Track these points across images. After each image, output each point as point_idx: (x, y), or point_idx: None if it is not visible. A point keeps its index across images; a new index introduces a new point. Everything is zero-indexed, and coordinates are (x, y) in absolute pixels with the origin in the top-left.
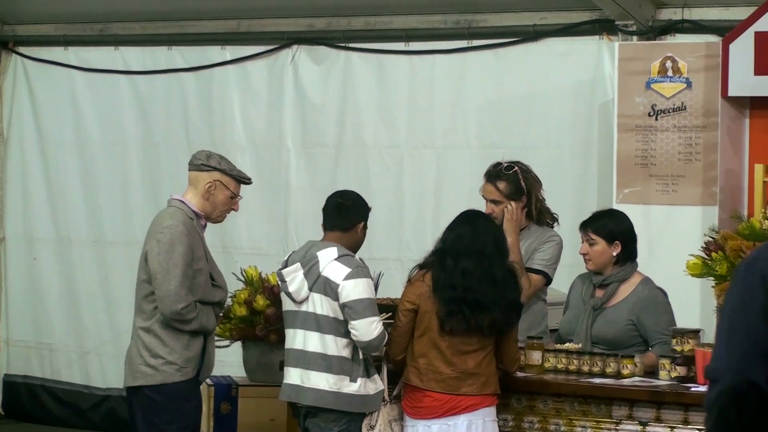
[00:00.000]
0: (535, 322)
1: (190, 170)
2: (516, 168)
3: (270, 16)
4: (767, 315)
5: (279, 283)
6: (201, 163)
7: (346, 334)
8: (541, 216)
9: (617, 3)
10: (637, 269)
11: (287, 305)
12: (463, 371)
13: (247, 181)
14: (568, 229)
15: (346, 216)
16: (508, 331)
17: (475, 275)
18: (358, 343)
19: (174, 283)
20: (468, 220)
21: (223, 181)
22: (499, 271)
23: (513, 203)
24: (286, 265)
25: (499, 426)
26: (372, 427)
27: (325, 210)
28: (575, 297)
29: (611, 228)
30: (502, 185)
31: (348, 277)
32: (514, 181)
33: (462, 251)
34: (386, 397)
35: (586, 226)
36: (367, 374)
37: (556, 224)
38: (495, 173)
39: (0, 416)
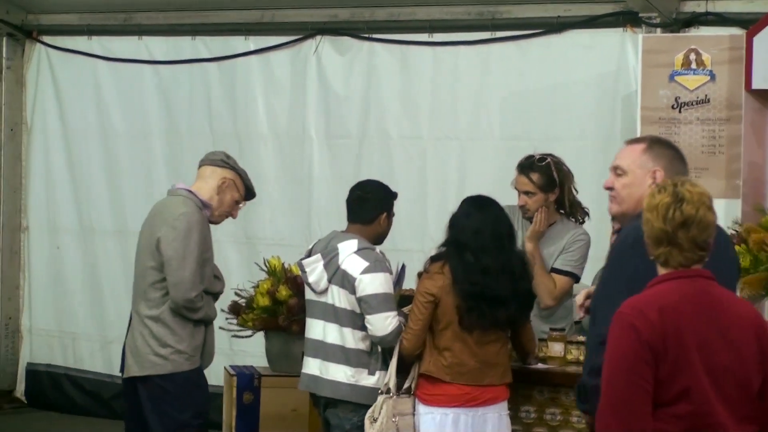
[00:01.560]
0: (560, 317)
1: (204, 164)
2: (549, 160)
3: (293, 6)
4: None
5: (300, 273)
6: (221, 159)
7: (364, 327)
8: (573, 209)
9: None
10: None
11: (309, 294)
12: (486, 361)
13: (253, 194)
14: (590, 221)
15: (366, 208)
16: (524, 323)
17: (495, 271)
18: (373, 338)
19: (189, 270)
20: (481, 208)
21: (237, 183)
22: (516, 265)
23: (539, 214)
24: (309, 254)
25: (521, 417)
26: (375, 420)
27: (347, 202)
28: None
29: None
30: (535, 177)
31: (365, 271)
32: (548, 172)
33: (481, 247)
34: (393, 389)
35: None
36: (386, 367)
37: (587, 218)
38: (528, 165)
39: (22, 405)
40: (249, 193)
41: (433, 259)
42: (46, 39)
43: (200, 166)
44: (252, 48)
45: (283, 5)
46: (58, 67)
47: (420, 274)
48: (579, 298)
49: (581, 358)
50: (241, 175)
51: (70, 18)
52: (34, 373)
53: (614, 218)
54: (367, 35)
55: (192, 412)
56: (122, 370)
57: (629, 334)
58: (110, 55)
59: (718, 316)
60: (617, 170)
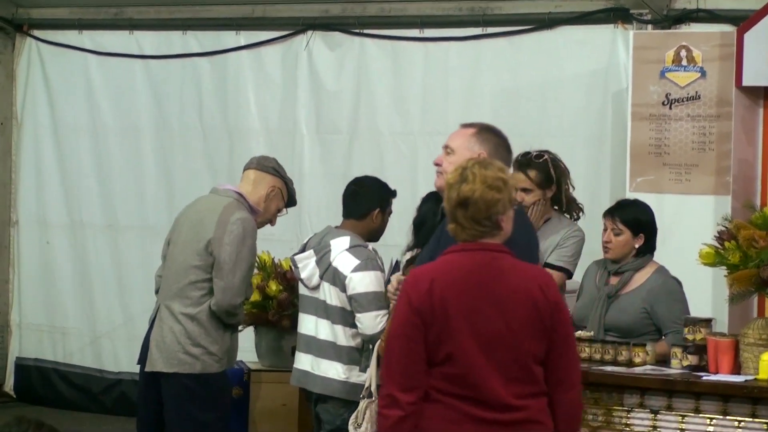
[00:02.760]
0: None
1: (252, 168)
2: (546, 156)
3: (285, 1)
4: None
5: (293, 268)
6: (272, 166)
7: (355, 324)
8: (569, 206)
9: None
10: (653, 258)
11: (302, 289)
12: None
13: (295, 202)
14: (584, 217)
15: (359, 203)
16: None
17: None
18: (363, 336)
19: (239, 277)
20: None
21: (283, 192)
22: None
23: (533, 209)
24: (303, 249)
25: None
26: (359, 425)
27: (343, 198)
28: (589, 284)
29: (639, 218)
30: (532, 173)
31: (356, 269)
32: (545, 169)
33: None
34: (374, 393)
35: (613, 214)
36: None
37: (582, 214)
38: (525, 161)
39: (11, 399)
40: (291, 201)
41: (410, 262)
42: (37, 33)
43: (248, 168)
44: (243, 43)
45: (274, 0)
46: (48, 61)
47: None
48: (392, 286)
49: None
50: (288, 184)
51: (61, 12)
52: (23, 367)
53: (439, 191)
54: (358, 30)
55: (216, 415)
56: (140, 361)
57: (405, 301)
58: (101, 50)
59: (492, 286)
60: (447, 149)
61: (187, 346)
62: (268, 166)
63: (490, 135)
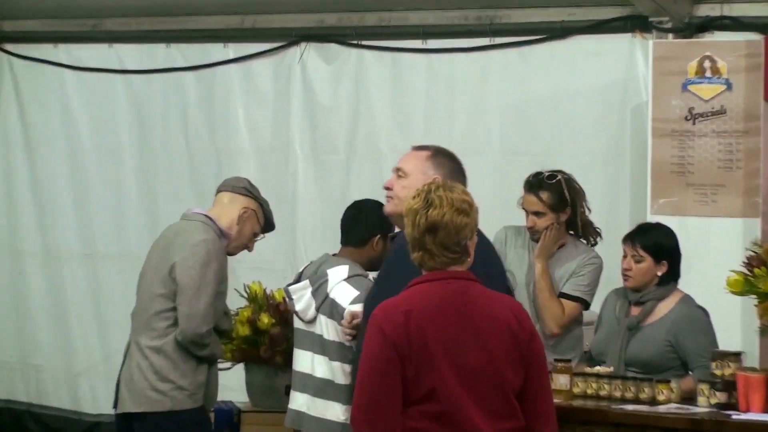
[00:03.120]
0: (569, 347)
1: (224, 191)
2: (559, 177)
3: (276, 11)
4: None
5: (287, 300)
6: (244, 186)
7: None
8: (585, 230)
9: None
10: (677, 286)
11: (297, 323)
12: None
13: (272, 227)
14: (601, 242)
15: (358, 229)
16: None
17: None
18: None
19: (203, 303)
20: None
21: (258, 214)
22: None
23: (548, 231)
24: (298, 279)
25: None
26: None
27: (342, 222)
28: (608, 315)
29: (661, 243)
30: (545, 196)
31: (355, 301)
32: (558, 191)
33: None
34: None
35: (633, 240)
36: None
37: (599, 239)
38: (537, 183)
39: None
40: (268, 225)
41: None
42: (9, 47)
43: (219, 191)
44: (231, 56)
45: (265, 10)
46: (21, 76)
47: None
48: (345, 320)
49: (588, 391)
50: (263, 205)
51: (35, 24)
52: None
53: (389, 218)
54: (355, 42)
55: None
56: (116, 404)
57: (378, 335)
58: (78, 64)
59: (470, 316)
60: (399, 172)
61: (154, 382)
62: (238, 186)
63: (445, 159)
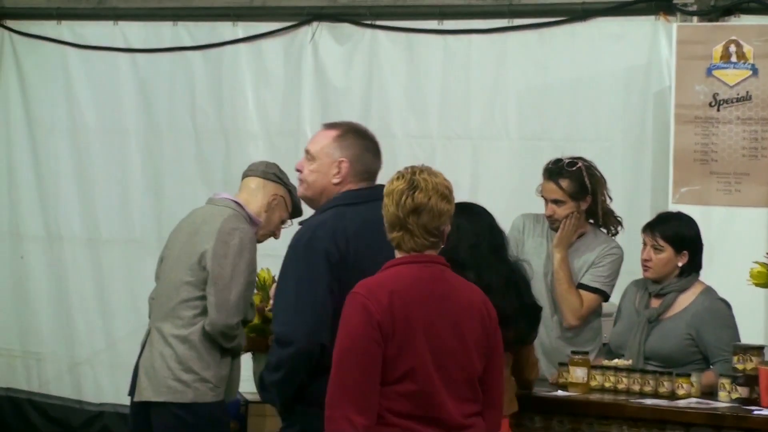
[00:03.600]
0: (587, 339)
1: (252, 175)
2: (580, 164)
3: None
4: (331, 289)
5: None
6: (274, 173)
7: None
8: (605, 219)
9: None
10: (699, 278)
11: None
12: None
13: (300, 212)
14: (622, 231)
15: None
16: (531, 340)
17: (500, 288)
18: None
19: (235, 294)
20: (472, 219)
21: (286, 200)
22: (519, 277)
23: (567, 220)
24: None
25: None
26: None
27: None
28: (628, 306)
29: (682, 233)
30: (565, 183)
31: None
32: (578, 178)
33: (481, 263)
34: None
35: (653, 229)
36: None
37: (620, 228)
38: (557, 170)
39: None
40: (296, 211)
41: None
42: (10, 24)
43: (246, 176)
44: (241, 35)
45: None
46: (23, 54)
47: None
48: (272, 293)
49: (606, 384)
50: (291, 191)
51: (37, 1)
52: None
53: (305, 201)
54: (369, 22)
55: None
56: (132, 391)
57: (362, 314)
58: (82, 42)
59: (447, 301)
60: (308, 154)
61: (177, 372)
62: (268, 172)
63: (355, 139)
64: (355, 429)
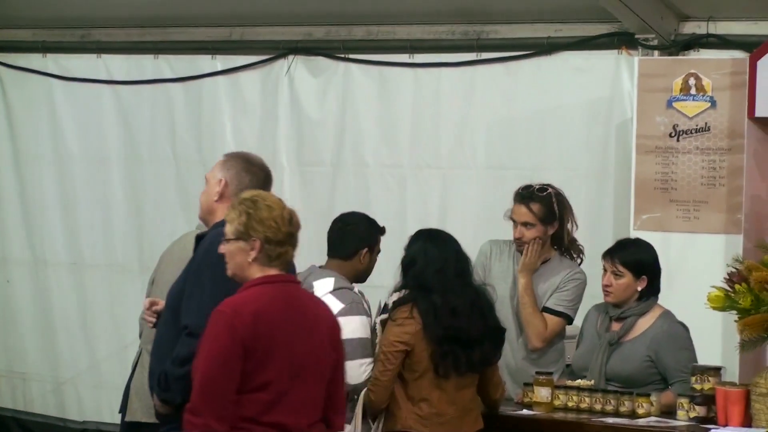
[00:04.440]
0: (551, 361)
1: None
2: (550, 190)
3: (264, 23)
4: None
5: None
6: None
7: None
8: (570, 246)
9: (637, 15)
10: (657, 302)
11: None
12: (463, 407)
13: None
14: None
15: (346, 242)
16: (495, 361)
17: (465, 311)
18: (346, 386)
19: None
20: (438, 244)
21: None
22: (484, 300)
23: (531, 245)
24: None
25: None
26: None
27: (329, 235)
28: (589, 330)
29: (640, 259)
30: (535, 207)
31: (340, 314)
32: (548, 204)
33: (447, 286)
34: None
35: (612, 256)
36: (363, 417)
37: (582, 257)
38: (528, 194)
39: None
40: None
41: (397, 304)
42: None
43: None
44: (219, 68)
45: (253, 22)
46: (9, 86)
47: (384, 322)
48: (145, 305)
49: (569, 404)
50: None
51: (24, 34)
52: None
53: (202, 221)
54: (343, 55)
55: None
56: (122, 410)
57: (227, 331)
58: (66, 74)
59: (304, 317)
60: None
61: None
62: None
63: (236, 161)
64: None
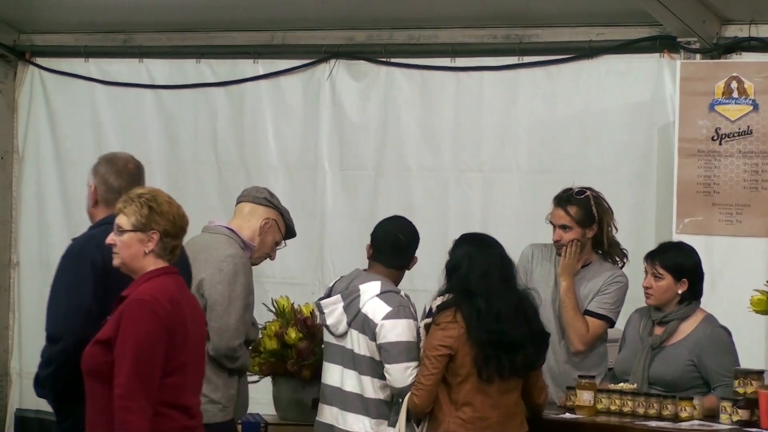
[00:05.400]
0: (593, 364)
1: (245, 201)
2: (588, 193)
3: (306, 27)
4: (96, 294)
5: (318, 313)
6: (265, 197)
7: (384, 376)
8: (611, 249)
9: (679, 18)
10: (700, 306)
11: (327, 337)
12: (507, 412)
13: (294, 234)
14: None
15: (403, 254)
16: (539, 365)
17: (509, 315)
18: (392, 389)
19: (234, 317)
20: (482, 248)
21: (279, 223)
22: (528, 305)
23: (569, 247)
24: (329, 294)
25: None
26: None
27: (379, 242)
28: (632, 333)
29: (681, 263)
30: (573, 210)
31: (387, 317)
32: (586, 207)
33: (491, 291)
34: None
35: (653, 258)
36: (407, 420)
37: (625, 260)
38: (565, 198)
39: None
40: (289, 233)
41: (440, 308)
42: (40, 61)
43: (239, 201)
44: (261, 72)
45: (295, 26)
46: (52, 90)
47: (427, 326)
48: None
49: (612, 407)
50: (284, 214)
51: (66, 39)
52: (23, 419)
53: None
54: (384, 59)
55: None
56: None
57: (151, 316)
58: (108, 79)
59: (193, 306)
60: None
61: None
62: (259, 197)
63: (100, 166)
64: (147, 418)
